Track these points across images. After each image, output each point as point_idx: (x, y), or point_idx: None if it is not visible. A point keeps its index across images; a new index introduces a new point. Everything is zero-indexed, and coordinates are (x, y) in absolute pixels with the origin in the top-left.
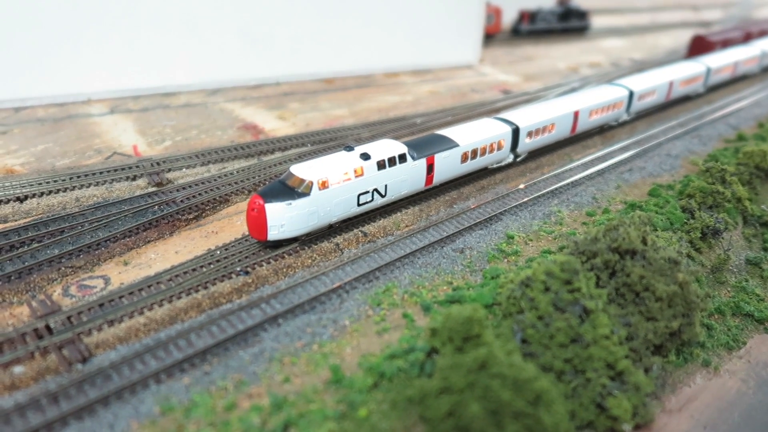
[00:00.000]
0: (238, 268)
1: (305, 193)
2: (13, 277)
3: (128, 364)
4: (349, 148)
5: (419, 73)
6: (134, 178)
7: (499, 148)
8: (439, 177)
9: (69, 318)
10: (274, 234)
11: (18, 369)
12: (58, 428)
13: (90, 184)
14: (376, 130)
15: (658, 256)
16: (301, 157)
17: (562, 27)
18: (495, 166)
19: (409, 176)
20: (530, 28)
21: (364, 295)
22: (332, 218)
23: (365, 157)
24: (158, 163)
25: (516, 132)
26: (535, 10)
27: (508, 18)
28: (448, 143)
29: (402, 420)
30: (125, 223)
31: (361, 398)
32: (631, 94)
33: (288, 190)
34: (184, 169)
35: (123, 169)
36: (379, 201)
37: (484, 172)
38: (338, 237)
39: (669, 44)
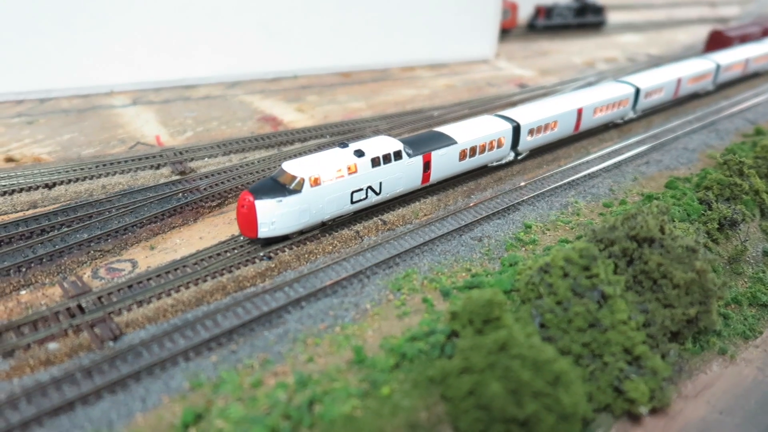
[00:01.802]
0: (261, 254)
1: (296, 191)
2: (45, 260)
3: (158, 343)
4: (344, 145)
5: (435, 67)
6: (158, 167)
7: (499, 145)
8: (436, 175)
9: (99, 298)
10: (264, 231)
11: (52, 345)
12: (93, 401)
13: (115, 172)
14: (393, 122)
15: (676, 245)
16: (320, 148)
17: (577, 22)
18: (495, 164)
19: (405, 174)
20: (546, 24)
21: (384, 280)
22: (324, 216)
23: (359, 153)
24: (181, 153)
25: (517, 129)
26: (551, 6)
27: (524, 13)
28: (445, 140)
29: (423, 399)
30: (151, 209)
31: (384, 377)
32: (638, 91)
33: (279, 186)
34: (206, 159)
35: (147, 158)
36: (373, 199)
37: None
38: (358, 225)
39: (686, 40)
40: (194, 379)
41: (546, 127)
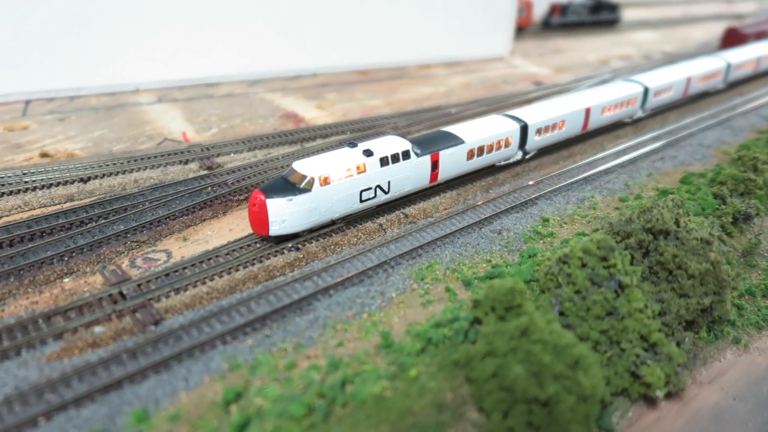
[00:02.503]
0: (290, 245)
1: (306, 189)
2: (85, 250)
3: (196, 327)
4: (353, 145)
5: (451, 65)
6: (186, 162)
7: (507, 145)
8: (444, 174)
9: (139, 285)
10: (275, 229)
11: (98, 329)
12: (139, 380)
13: (146, 167)
14: (412, 119)
15: (691, 237)
16: (341, 144)
17: (592, 20)
18: (503, 163)
19: (413, 173)
20: (561, 21)
21: (408, 270)
22: (334, 214)
23: (368, 153)
24: (208, 149)
25: (524, 129)
26: (566, 3)
27: (539, 11)
28: (453, 140)
29: (448, 381)
30: (182, 202)
31: (411, 361)
32: (646, 90)
33: (290, 185)
34: (232, 154)
35: (175, 153)
36: (382, 198)
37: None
38: (381, 218)
39: (701, 37)
40: (232, 360)
41: (554, 126)
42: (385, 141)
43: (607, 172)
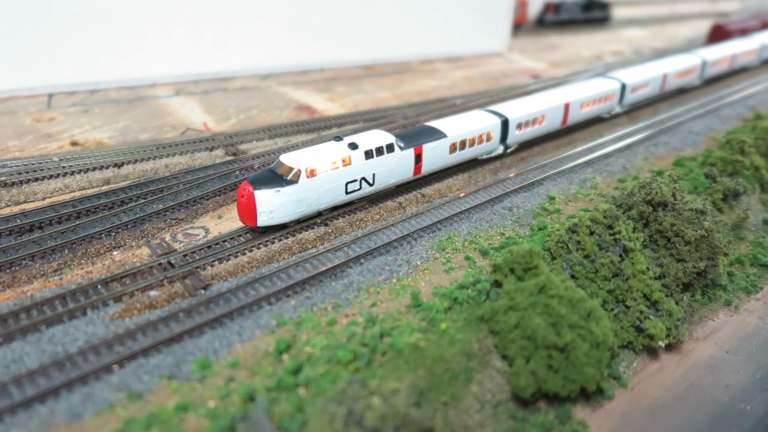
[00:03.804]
0: (319, 220)
1: (293, 181)
2: (129, 226)
3: (243, 291)
4: (338, 139)
5: (452, 60)
6: (212, 149)
7: (488, 139)
8: (427, 167)
9: (185, 256)
10: (263, 220)
11: (153, 293)
12: (197, 334)
13: (175, 154)
14: (420, 110)
15: (686, 208)
16: (356, 132)
17: (584, 17)
18: (485, 157)
19: (397, 166)
20: (555, 19)
21: (429, 242)
22: (320, 205)
23: (353, 146)
24: (231, 137)
25: (505, 123)
26: (559, 2)
27: (534, 9)
28: (436, 134)
29: (474, 333)
30: (214, 184)
31: (440, 317)
32: (624, 86)
33: (277, 177)
34: (254, 142)
35: (200, 141)
36: (367, 189)
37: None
38: (400, 197)
39: (688, 34)
40: (279, 318)
41: (534, 121)
42: (370, 135)
43: (606, 156)
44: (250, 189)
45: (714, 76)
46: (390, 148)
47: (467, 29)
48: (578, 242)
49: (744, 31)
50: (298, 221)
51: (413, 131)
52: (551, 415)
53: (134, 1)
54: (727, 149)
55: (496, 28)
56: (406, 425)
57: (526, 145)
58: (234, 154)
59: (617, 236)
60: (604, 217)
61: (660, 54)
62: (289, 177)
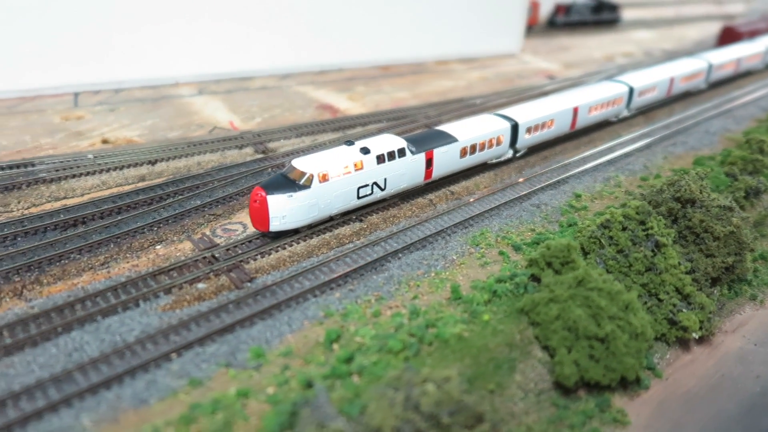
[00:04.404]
0: (354, 216)
1: (306, 186)
2: (170, 221)
3: (287, 283)
4: (350, 143)
5: (467, 60)
6: (241, 147)
7: (498, 143)
8: (438, 171)
9: (227, 250)
10: (275, 225)
11: (201, 285)
12: (248, 325)
13: (206, 152)
14: (441, 109)
15: (714, 204)
16: (381, 132)
17: (594, 19)
18: (495, 161)
19: (408, 170)
20: (565, 20)
21: (463, 237)
22: (332, 210)
23: (365, 151)
24: (258, 135)
25: (515, 128)
26: (569, 3)
27: (545, 11)
28: (447, 138)
29: (515, 325)
30: (248, 181)
31: (481, 309)
32: (631, 90)
33: (289, 182)
34: (281, 140)
35: (229, 139)
36: (378, 194)
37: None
38: (431, 194)
39: (696, 36)
40: (326, 309)
41: (543, 125)
42: (381, 139)
43: (626, 155)
44: (263, 194)
45: (720, 80)
46: (401, 152)
47: (481, 30)
48: (611, 237)
49: (754, 33)
50: (310, 226)
51: (424, 135)
52: (591, 404)
53: (157, 3)
54: (746, 148)
55: (509, 29)
56: (460, 411)
57: (536, 148)
58: (263, 152)
59: (649, 231)
60: (637, 213)
61: (671, 55)
62: (302, 182)
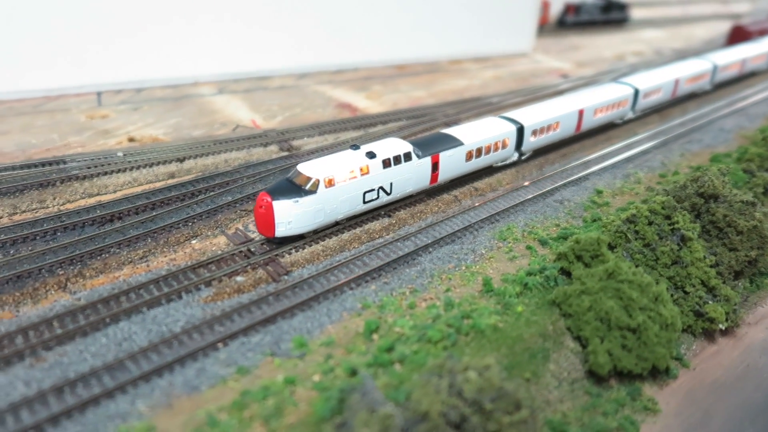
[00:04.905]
0: (383, 212)
1: (312, 191)
2: (204, 216)
3: (324, 276)
4: (355, 147)
5: (480, 60)
6: (266, 145)
7: (504, 146)
8: (444, 175)
9: (262, 244)
10: (281, 231)
11: (239, 278)
12: (289, 316)
13: (232, 149)
14: (459, 107)
15: (736, 199)
16: (401, 130)
17: (603, 19)
18: (500, 164)
19: (414, 174)
20: (575, 20)
21: (490, 232)
22: (338, 215)
23: (371, 155)
24: (282, 133)
25: (521, 131)
26: (579, 3)
27: (554, 10)
28: (452, 142)
29: (547, 316)
30: (276, 178)
31: (514, 301)
32: (637, 92)
33: (295, 188)
34: (305, 138)
35: (253, 137)
36: (384, 199)
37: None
38: (455, 191)
39: (704, 35)
40: (363, 301)
41: (549, 128)
42: (387, 143)
43: (644, 152)
44: (269, 199)
45: (725, 81)
46: (407, 156)
47: (494, 30)
48: (636, 232)
49: (763, 32)
50: (316, 231)
51: (429, 139)
52: (623, 392)
53: (177, 4)
54: (763, 146)
55: (521, 28)
56: (501, 397)
57: (547, 149)
58: (288, 150)
59: (675, 226)
60: (662, 208)
61: (681, 54)
62: (308, 187)
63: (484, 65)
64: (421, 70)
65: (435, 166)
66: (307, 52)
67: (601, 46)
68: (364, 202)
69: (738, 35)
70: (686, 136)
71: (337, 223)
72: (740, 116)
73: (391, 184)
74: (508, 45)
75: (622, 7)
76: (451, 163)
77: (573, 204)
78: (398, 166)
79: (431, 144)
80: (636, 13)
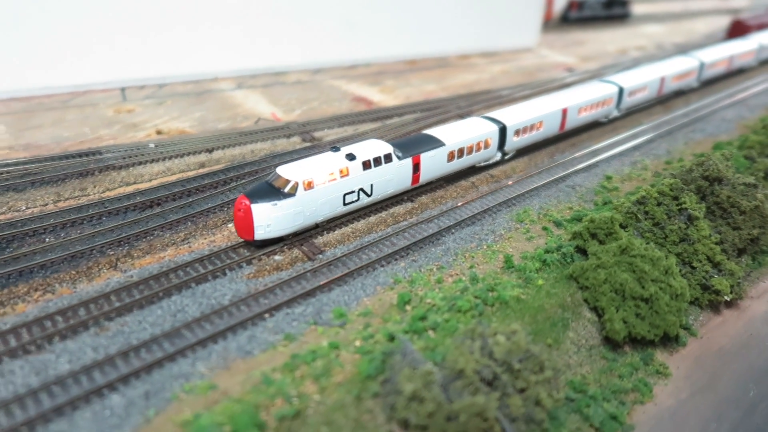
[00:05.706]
0: (405, 197)
1: (291, 194)
2: None
3: (356, 255)
4: (335, 149)
5: (487, 55)
6: (289, 137)
7: (486, 146)
8: (425, 176)
9: None
10: (260, 234)
11: (278, 257)
12: (327, 290)
13: (257, 140)
14: (470, 100)
15: (740, 182)
16: (417, 121)
17: (606, 14)
18: (483, 164)
19: (395, 176)
20: (578, 16)
21: (508, 215)
22: (318, 218)
23: (351, 157)
24: (304, 125)
25: (503, 130)
26: None
27: (558, 6)
28: (434, 143)
29: (566, 289)
30: None
31: (534, 275)
32: (621, 90)
33: (274, 190)
34: (326, 130)
35: (276, 129)
36: (365, 200)
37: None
38: (473, 177)
39: (704, 29)
40: (395, 276)
41: (532, 127)
42: (367, 145)
43: (649, 141)
44: (247, 203)
45: (712, 78)
46: (388, 158)
47: (501, 25)
48: (646, 212)
49: (762, 26)
50: (296, 234)
51: (411, 140)
52: (637, 357)
53: (197, 3)
54: (763, 134)
55: (527, 24)
56: (527, 358)
57: (532, 148)
58: (311, 141)
59: (682, 206)
60: (671, 189)
61: (682, 48)
62: (287, 190)
63: (491, 60)
64: (431, 65)
65: (416, 167)
66: (321, 48)
67: (605, 41)
68: (345, 204)
69: (738, 29)
70: (690, 125)
71: (317, 226)
72: (741, 107)
73: (371, 185)
74: (514, 40)
75: (624, 3)
76: (433, 163)
77: (584, 189)
78: (379, 167)
79: (412, 145)
80: (637, 9)
